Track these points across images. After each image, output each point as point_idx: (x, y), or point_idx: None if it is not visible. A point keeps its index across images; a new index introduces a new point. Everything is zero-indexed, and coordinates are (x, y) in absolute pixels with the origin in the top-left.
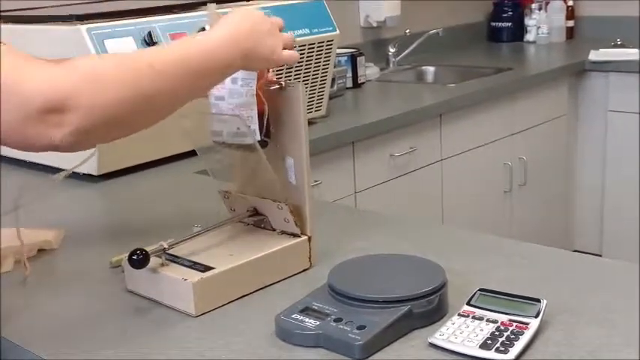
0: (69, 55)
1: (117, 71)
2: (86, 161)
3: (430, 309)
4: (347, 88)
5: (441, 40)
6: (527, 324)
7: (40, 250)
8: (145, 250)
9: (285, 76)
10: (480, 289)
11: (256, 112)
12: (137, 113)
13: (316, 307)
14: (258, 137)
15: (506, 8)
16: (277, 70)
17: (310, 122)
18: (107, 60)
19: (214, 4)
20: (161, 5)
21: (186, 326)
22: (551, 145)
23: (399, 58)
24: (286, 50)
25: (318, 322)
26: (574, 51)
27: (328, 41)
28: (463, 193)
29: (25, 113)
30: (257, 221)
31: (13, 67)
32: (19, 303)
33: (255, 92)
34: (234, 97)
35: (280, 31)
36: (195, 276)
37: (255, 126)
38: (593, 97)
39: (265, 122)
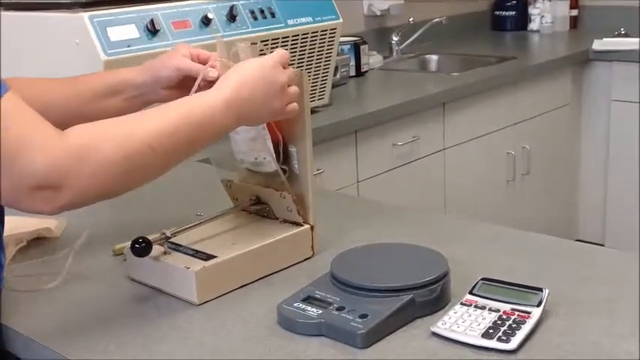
0: (71, 43)
1: (117, 154)
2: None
3: (432, 298)
4: (350, 77)
5: (445, 28)
6: (530, 313)
7: (42, 239)
8: (148, 239)
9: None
10: (483, 278)
11: (270, 143)
12: (131, 185)
13: (318, 296)
14: (274, 167)
15: None
16: None
17: (313, 111)
18: (108, 138)
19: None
20: None
21: (188, 314)
22: (555, 135)
23: (402, 46)
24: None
25: (320, 311)
26: (578, 40)
27: (331, 29)
28: (466, 182)
29: (17, 187)
30: (260, 210)
31: (17, 133)
32: (21, 291)
33: (265, 125)
34: (246, 131)
35: (291, 83)
36: (198, 264)
37: (270, 157)
38: (597, 87)
39: (282, 151)
